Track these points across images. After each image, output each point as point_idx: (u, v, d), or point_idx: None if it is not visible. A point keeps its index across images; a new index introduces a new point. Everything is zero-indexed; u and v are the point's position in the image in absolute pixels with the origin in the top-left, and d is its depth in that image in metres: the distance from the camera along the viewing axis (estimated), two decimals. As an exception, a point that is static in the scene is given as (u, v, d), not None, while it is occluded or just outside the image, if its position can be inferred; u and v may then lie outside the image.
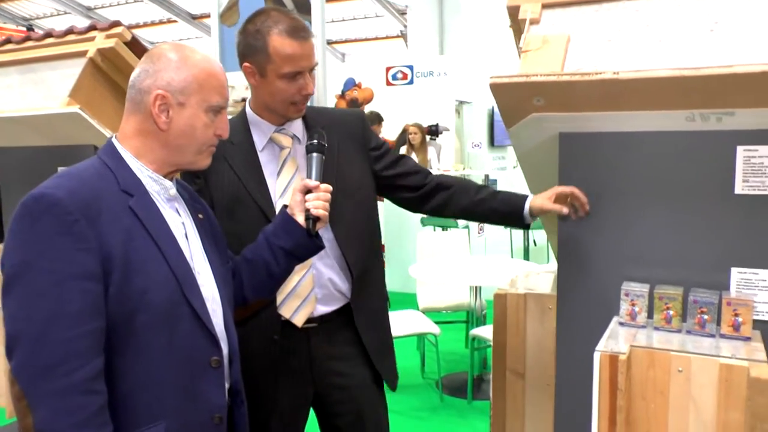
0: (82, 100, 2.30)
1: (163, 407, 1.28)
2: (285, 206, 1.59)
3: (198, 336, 1.34)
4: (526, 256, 5.93)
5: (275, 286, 1.65)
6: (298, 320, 1.80)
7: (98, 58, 2.33)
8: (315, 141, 1.66)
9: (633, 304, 1.54)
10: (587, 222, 1.64)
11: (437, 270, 4.22)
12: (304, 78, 1.71)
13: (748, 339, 1.46)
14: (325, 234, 1.78)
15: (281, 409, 1.85)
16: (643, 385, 1.40)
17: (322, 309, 1.83)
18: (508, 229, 5.73)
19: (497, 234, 6.12)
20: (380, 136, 7.89)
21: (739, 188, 1.52)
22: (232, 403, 1.47)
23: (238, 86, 8.22)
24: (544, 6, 1.60)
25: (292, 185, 1.77)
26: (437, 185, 1.91)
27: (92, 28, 2.48)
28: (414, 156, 7.89)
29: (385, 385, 1.97)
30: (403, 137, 8.24)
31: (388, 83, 9.49)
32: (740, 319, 1.47)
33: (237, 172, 1.78)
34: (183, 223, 1.40)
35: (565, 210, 1.64)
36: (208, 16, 7.51)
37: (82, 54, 2.35)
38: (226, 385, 1.44)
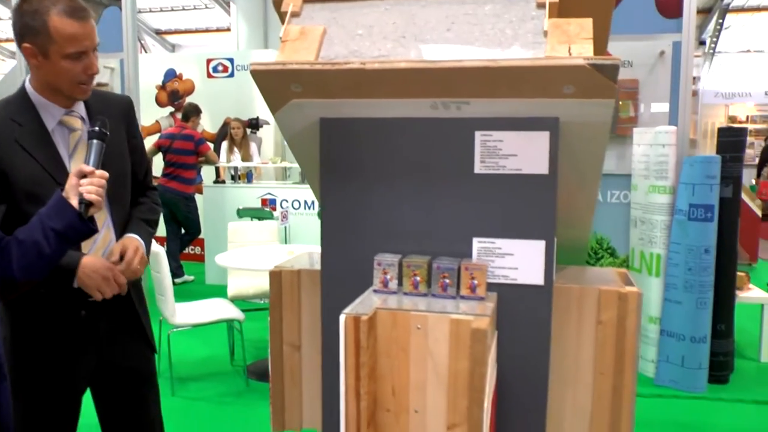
0: None
1: None
2: (60, 189, 1.61)
3: None
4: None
5: (45, 268, 1.65)
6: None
7: None
8: (97, 128, 1.71)
9: (385, 273, 1.69)
10: (347, 201, 1.77)
11: (244, 258, 4.28)
12: (89, 57, 1.75)
13: (482, 299, 1.64)
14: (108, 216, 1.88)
15: (65, 383, 1.90)
16: (387, 343, 1.55)
17: None
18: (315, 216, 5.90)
19: (304, 223, 6.26)
20: (200, 128, 7.79)
21: (478, 168, 1.69)
22: None
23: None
24: (305, 0, 1.72)
25: None
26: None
27: None
28: (236, 150, 7.85)
29: None
30: (224, 130, 8.21)
31: (209, 75, 9.40)
32: (476, 282, 1.65)
33: (33, 154, 1.78)
34: None
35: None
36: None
37: None
38: None
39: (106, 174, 1.66)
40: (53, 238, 1.58)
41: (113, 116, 1.87)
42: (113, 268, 1.80)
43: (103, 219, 1.86)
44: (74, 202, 1.58)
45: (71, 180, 1.61)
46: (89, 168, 1.63)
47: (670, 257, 4.43)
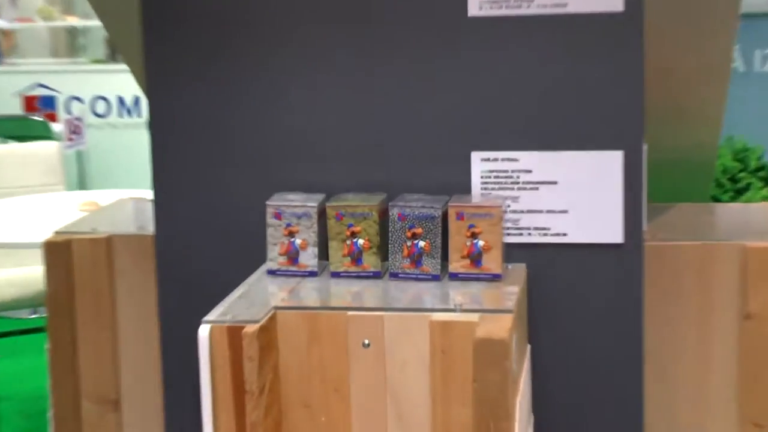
0: None
1: None
2: None
3: None
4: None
5: None
6: None
7: None
8: None
9: (290, 232, 1.47)
10: (203, 87, 1.59)
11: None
12: None
13: (497, 277, 1.43)
14: None
15: None
16: (302, 381, 1.34)
17: None
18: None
19: (120, 144, 5.92)
20: None
21: (476, 8, 1.50)
22: None
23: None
24: None
25: None
26: None
27: None
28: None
29: None
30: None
31: None
32: (481, 243, 1.41)
33: None
34: None
35: None
36: None
37: None
38: None
39: None
40: None
41: None
42: None
43: None
44: None
45: None
46: None
47: None
